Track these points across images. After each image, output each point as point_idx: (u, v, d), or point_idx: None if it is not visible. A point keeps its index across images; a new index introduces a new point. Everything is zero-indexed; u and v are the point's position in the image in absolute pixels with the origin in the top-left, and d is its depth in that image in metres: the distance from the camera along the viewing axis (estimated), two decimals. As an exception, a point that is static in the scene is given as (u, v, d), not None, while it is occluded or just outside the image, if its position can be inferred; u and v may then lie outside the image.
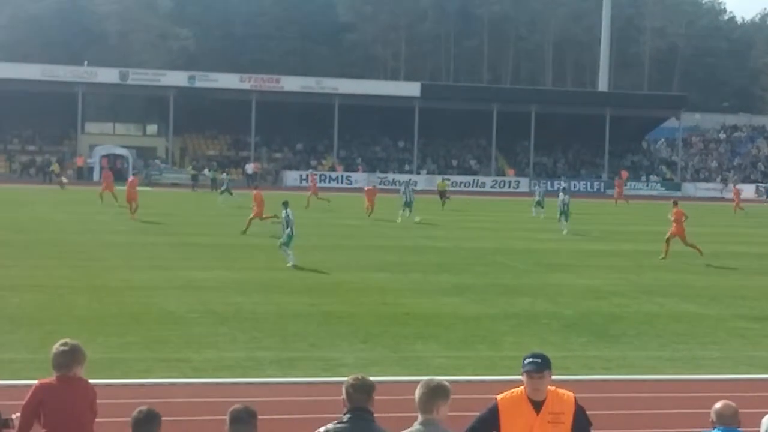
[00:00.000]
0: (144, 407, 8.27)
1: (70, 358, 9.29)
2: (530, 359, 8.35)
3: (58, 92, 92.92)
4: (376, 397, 8.20)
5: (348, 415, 7.94)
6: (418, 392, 7.98)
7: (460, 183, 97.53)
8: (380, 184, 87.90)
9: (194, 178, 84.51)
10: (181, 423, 12.81)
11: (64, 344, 9.36)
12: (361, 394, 8.03)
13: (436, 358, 18.96)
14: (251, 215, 43.50)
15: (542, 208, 59.23)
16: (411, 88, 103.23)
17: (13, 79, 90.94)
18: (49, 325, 20.52)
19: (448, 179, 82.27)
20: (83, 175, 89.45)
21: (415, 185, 68.04)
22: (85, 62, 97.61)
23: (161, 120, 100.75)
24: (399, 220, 52.76)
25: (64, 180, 76.73)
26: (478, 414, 8.65)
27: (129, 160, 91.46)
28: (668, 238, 37.91)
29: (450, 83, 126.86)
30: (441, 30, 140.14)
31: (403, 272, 31.61)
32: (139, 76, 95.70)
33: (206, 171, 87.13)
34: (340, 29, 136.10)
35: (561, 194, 52.33)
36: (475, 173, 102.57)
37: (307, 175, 78.46)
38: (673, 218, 38.32)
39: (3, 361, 17.45)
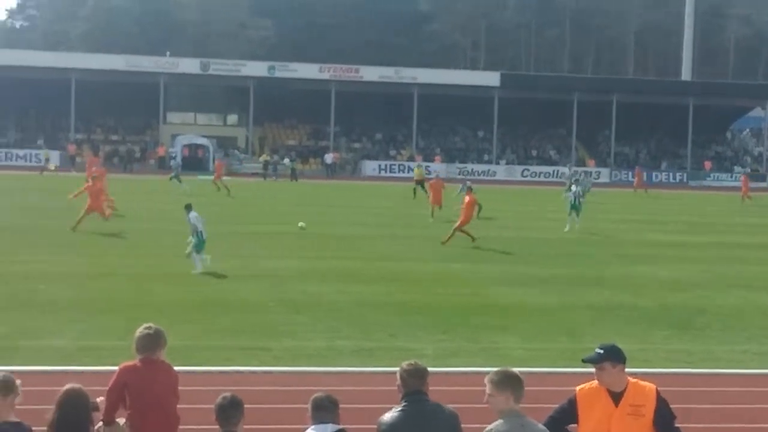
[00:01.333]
0: (228, 393, 8.35)
1: (153, 341, 9.42)
2: (595, 350, 8.32)
3: (141, 82, 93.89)
4: (457, 388, 8.16)
5: (405, 400, 8.07)
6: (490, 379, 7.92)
7: (540, 173, 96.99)
8: (459, 174, 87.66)
9: (266, 167, 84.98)
10: (261, 411, 12.85)
11: (148, 328, 9.49)
12: (416, 378, 8.14)
13: (516, 349, 18.86)
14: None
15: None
16: (490, 78, 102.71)
17: (97, 69, 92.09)
18: (131, 312, 20.73)
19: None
20: (165, 164, 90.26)
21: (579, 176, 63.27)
22: (167, 53, 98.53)
23: (241, 110, 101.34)
24: (567, 228, 43.04)
25: (51, 167, 76.07)
26: (557, 405, 8.60)
27: (210, 150, 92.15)
28: None
29: (530, 73, 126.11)
30: (521, 19, 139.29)
31: (481, 262, 31.50)
32: (219, 66, 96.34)
33: (286, 160, 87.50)
34: (419, 19, 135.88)
35: (573, 186, 47.68)
36: (554, 163, 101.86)
37: (386, 165, 77.88)
38: None
39: (89, 348, 17.68)
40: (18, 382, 8.03)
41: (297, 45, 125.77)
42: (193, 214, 28.40)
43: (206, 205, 49.50)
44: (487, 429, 7.68)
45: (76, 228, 36.06)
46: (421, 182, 61.70)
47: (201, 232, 27.86)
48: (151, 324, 9.61)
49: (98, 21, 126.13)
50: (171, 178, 63.04)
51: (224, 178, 64.22)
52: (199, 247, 27.79)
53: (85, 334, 18.93)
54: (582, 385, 8.50)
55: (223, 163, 70.20)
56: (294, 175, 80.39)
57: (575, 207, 43.80)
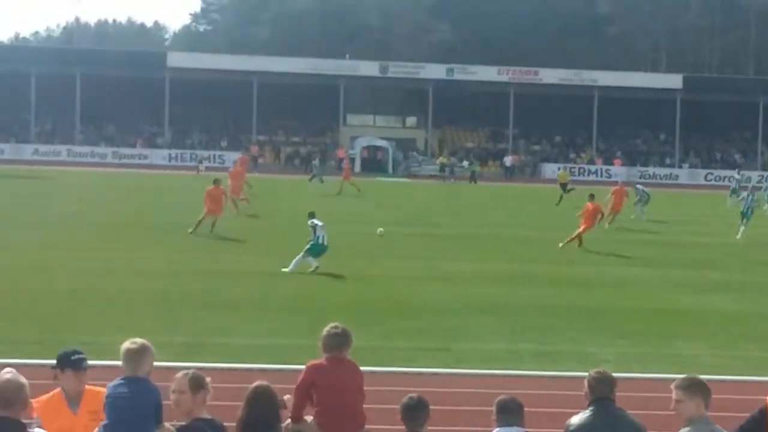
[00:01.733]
0: (414, 394, 8.45)
1: (341, 340, 9.58)
2: None
3: (322, 84, 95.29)
4: (639, 394, 8.13)
5: (592, 406, 8.15)
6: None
7: (724, 177, 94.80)
8: (639, 177, 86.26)
9: (442, 169, 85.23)
10: (444, 412, 12.91)
11: (336, 327, 9.64)
12: (603, 385, 8.23)
13: (701, 356, 18.50)
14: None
15: (737, 196, 55.01)
16: (672, 81, 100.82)
17: (279, 72, 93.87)
18: (315, 312, 21.07)
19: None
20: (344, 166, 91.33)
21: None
22: (347, 55, 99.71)
23: (420, 112, 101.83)
24: (738, 236, 41.00)
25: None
26: (748, 414, 8.45)
27: (389, 152, 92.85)
28: None
29: (713, 75, 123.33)
30: (704, 21, 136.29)
31: (662, 267, 30.99)
32: (398, 69, 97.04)
33: (464, 163, 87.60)
34: (599, 21, 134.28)
35: (746, 193, 45.52)
36: (739, 167, 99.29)
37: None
38: None
39: (273, 347, 18.03)
40: (208, 379, 8.19)
41: (476, 47, 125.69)
42: (315, 221, 28.27)
43: (389, 207, 49.99)
44: None
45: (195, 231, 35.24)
46: (564, 185, 60.38)
47: (321, 237, 27.82)
48: (338, 324, 9.77)
49: (280, 25, 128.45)
50: (311, 179, 62.81)
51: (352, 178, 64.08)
52: (315, 251, 27.65)
53: (270, 333, 19.31)
54: (773, 394, 8.34)
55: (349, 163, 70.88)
56: (473, 177, 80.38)
57: (745, 214, 42.83)
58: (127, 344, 8.21)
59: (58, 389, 8.48)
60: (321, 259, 27.56)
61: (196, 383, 8.02)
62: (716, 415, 7.89)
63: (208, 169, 71.32)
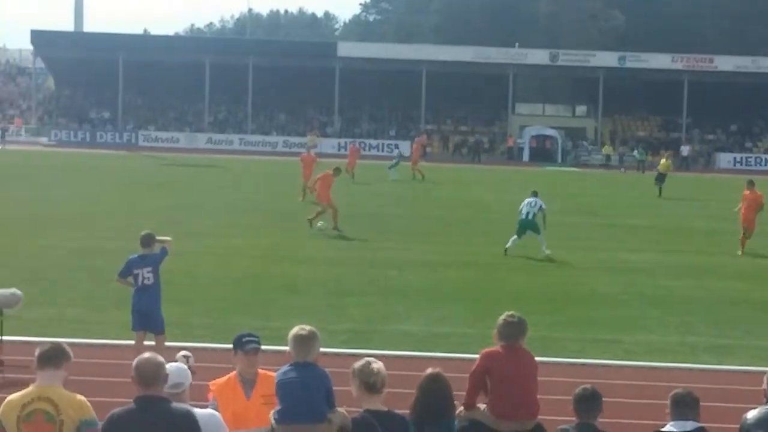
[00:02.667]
0: (588, 385, 8.31)
1: (517, 329, 9.51)
2: None
3: (490, 74, 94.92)
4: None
5: None
6: None
7: None
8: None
9: (608, 159, 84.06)
10: (615, 404, 12.67)
11: (512, 316, 9.59)
12: None
13: None
14: None
15: None
16: None
17: (448, 61, 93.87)
18: (483, 301, 21.00)
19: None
20: (513, 155, 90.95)
21: None
22: (516, 44, 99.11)
23: (590, 101, 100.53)
24: None
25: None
26: None
27: (558, 141, 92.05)
28: None
29: None
30: None
31: None
32: (568, 57, 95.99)
33: (635, 152, 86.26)
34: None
35: None
36: None
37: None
38: None
39: (439, 335, 18.02)
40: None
41: (648, 35, 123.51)
42: (533, 200, 28.79)
43: (559, 197, 49.55)
44: None
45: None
46: (663, 176, 54.11)
47: (528, 213, 28.38)
48: (513, 312, 9.70)
49: (449, 13, 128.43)
50: (391, 167, 60.12)
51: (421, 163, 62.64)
52: (520, 227, 28.52)
53: (437, 321, 19.30)
54: None
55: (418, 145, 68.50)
56: (641, 166, 79.02)
57: None
58: (296, 330, 8.28)
59: (234, 372, 8.64)
60: (490, 246, 27.37)
61: (382, 383, 8.00)
62: None
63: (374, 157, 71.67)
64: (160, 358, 7.34)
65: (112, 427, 7.15)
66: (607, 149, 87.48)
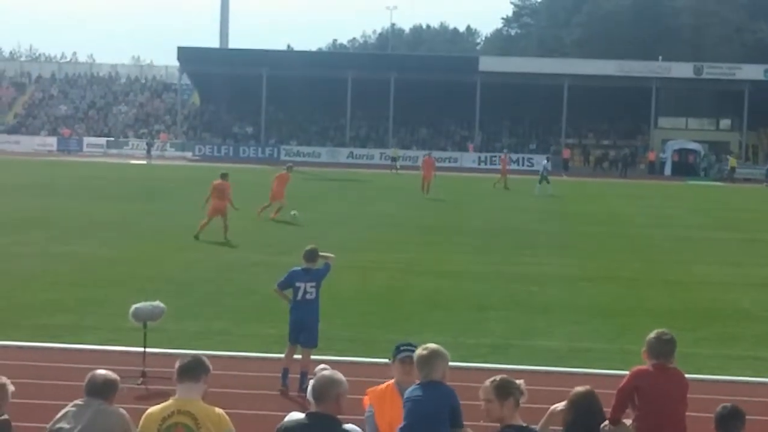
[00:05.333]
0: (729, 404, 8.37)
1: (669, 348, 9.58)
2: None
3: (633, 87, 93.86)
4: None
5: None
6: None
7: None
8: None
9: (732, 171, 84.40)
10: (757, 422, 12.54)
11: (665, 333, 9.69)
12: None
13: None
14: None
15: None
16: None
17: (590, 75, 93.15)
18: (623, 317, 20.91)
19: None
20: (654, 169, 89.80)
21: None
22: (659, 57, 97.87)
23: (735, 114, 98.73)
24: None
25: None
26: None
27: (700, 155, 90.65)
28: None
29: None
30: None
31: None
32: (713, 70, 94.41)
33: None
34: None
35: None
36: None
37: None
38: None
39: (579, 350, 18.01)
40: (519, 382, 8.07)
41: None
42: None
43: (701, 211, 48.81)
44: None
45: None
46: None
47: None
48: (666, 330, 9.73)
49: (592, 27, 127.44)
50: (540, 181, 59.05)
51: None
52: None
53: (577, 336, 19.28)
54: None
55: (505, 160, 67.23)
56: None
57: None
58: (419, 350, 8.39)
59: (391, 381, 8.89)
60: (638, 262, 27.11)
61: (504, 390, 7.82)
62: None
63: (515, 172, 71.37)
64: (338, 376, 7.44)
65: None
66: (732, 162, 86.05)
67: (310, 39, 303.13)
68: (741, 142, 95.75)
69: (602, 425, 9.05)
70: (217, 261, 27.74)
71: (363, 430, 8.24)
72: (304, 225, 36.30)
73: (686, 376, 15.16)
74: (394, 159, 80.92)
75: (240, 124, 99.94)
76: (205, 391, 7.75)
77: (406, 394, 8.34)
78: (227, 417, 7.66)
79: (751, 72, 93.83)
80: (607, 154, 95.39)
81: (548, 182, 57.70)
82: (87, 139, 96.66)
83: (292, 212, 37.45)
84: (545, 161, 62.22)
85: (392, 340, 17.57)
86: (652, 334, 9.61)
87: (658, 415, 9.25)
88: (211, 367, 7.83)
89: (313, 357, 14.70)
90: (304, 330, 14.86)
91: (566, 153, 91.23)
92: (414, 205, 47.69)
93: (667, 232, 38.57)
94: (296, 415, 7.60)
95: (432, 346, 8.42)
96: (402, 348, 8.87)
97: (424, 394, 8.22)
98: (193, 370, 7.72)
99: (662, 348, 9.49)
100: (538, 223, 40.81)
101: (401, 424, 8.23)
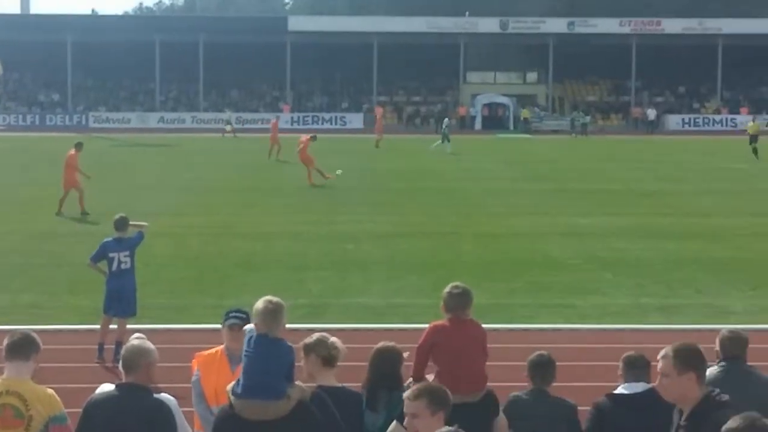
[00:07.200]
0: (543, 352, 8.69)
1: (461, 300, 9.50)
2: None
3: (441, 43, 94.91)
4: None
5: (723, 363, 8.11)
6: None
7: None
8: (767, 125, 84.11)
9: (526, 122, 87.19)
10: (568, 368, 12.89)
11: (456, 287, 9.56)
12: (736, 345, 8.21)
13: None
14: None
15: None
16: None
17: (399, 32, 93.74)
18: (439, 270, 21.16)
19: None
20: (465, 124, 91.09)
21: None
22: (467, 13, 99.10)
23: (541, 67, 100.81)
24: None
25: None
26: None
27: (510, 109, 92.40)
28: None
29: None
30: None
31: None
32: (519, 25, 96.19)
33: (573, 116, 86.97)
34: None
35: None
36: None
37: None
38: None
39: (397, 306, 18.19)
40: (333, 340, 8.11)
41: (597, 0, 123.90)
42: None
43: (511, 163, 49.83)
44: None
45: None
46: (755, 137, 54.38)
47: None
48: (458, 283, 9.69)
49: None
50: (443, 140, 59.53)
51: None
52: None
53: (394, 292, 19.45)
54: None
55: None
56: (584, 130, 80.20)
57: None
58: (262, 303, 7.69)
59: (221, 346, 8.77)
60: (446, 216, 27.45)
61: (307, 348, 8.05)
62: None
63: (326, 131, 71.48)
64: (148, 345, 7.29)
65: (93, 411, 7.13)
66: (525, 113, 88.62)
67: (116, 3, 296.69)
68: (548, 94, 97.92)
69: (406, 383, 9.04)
70: (25, 232, 26.99)
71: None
72: (116, 192, 35.54)
73: (500, 326, 15.58)
74: (228, 122, 79.67)
75: (46, 92, 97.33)
76: (35, 370, 7.37)
77: (243, 349, 7.98)
78: (58, 398, 7.33)
79: (555, 25, 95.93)
80: (419, 110, 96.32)
81: (449, 141, 58.15)
82: None
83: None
84: (447, 120, 63.94)
85: (208, 305, 17.53)
86: (446, 288, 9.56)
87: (456, 369, 9.21)
88: (41, 344, 7.46)
89: (128, 327, 14.47)
90: (121, 300, 14.68)
91: (379, 111, 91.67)
92: (233, 167, 47.27)
93: (480, 186, 39.21)
94: (107, 387, 7.39)
95: (276, 299, 7.88)
96: (231, 315, 8.75)
97: (263, 350, 7.70)
98: (22, 347, 7.32)
99: (455, 301, 9.46)
100: (352, 180, 40.97)
101: (237, 381, 8.01)
